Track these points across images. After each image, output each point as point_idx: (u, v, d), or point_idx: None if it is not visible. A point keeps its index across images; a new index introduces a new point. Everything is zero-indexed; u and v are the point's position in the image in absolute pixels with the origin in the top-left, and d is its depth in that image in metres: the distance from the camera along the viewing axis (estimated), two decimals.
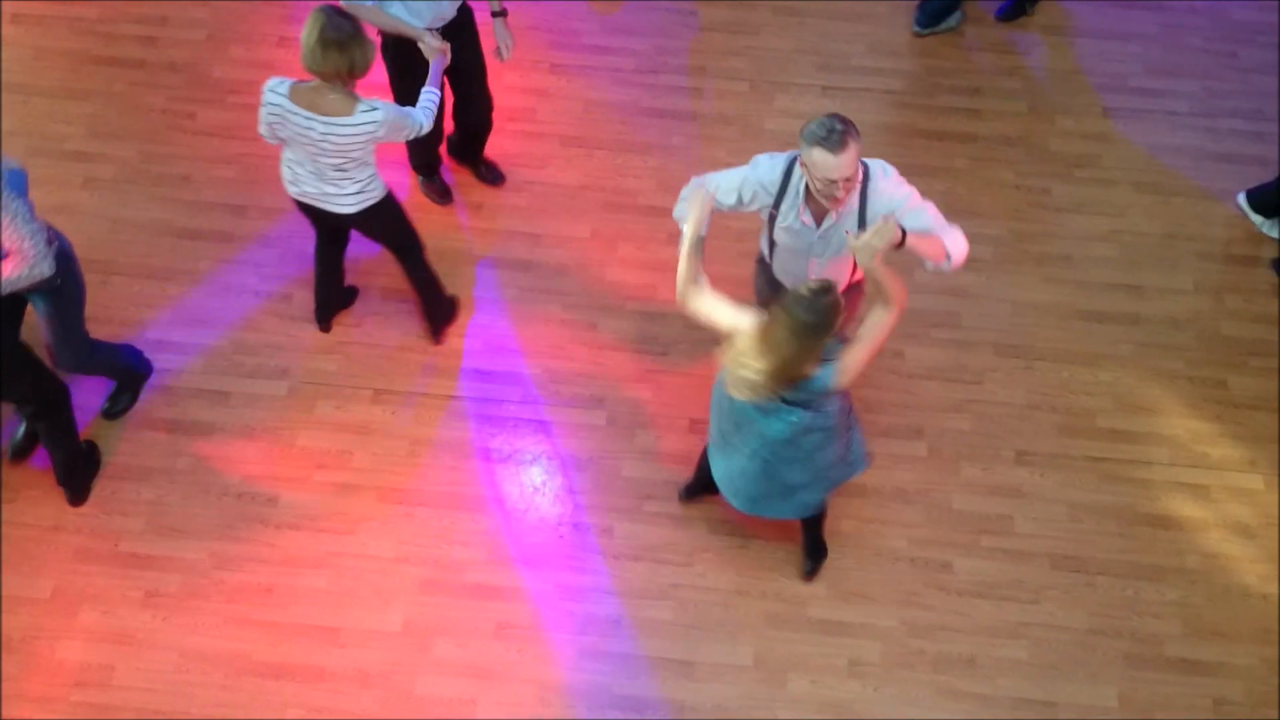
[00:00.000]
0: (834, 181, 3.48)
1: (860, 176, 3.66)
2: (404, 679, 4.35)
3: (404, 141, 4.44)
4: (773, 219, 3.86)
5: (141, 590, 4.48)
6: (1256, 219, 5.37)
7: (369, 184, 4.43)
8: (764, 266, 4.23)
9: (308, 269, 5.16)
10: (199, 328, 5.07)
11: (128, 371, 4.76)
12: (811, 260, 3.91)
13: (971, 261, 5.26)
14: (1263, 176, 5.47)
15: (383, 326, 5.11)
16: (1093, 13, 6.08)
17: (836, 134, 3.43)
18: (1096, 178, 5.54)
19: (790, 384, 3.60)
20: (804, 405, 3.70)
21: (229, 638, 4.41)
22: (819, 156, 3.45)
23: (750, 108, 5.75)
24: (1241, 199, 5.42)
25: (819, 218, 3.76)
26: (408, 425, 4.87)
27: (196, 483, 4.71)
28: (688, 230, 3.74)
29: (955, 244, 3.73)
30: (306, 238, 5.09)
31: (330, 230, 4.78)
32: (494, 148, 5.46)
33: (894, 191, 3.72)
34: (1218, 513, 4.71)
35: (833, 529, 4.59)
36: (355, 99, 4.14)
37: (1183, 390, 4.99)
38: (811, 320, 3.41)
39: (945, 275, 4.25)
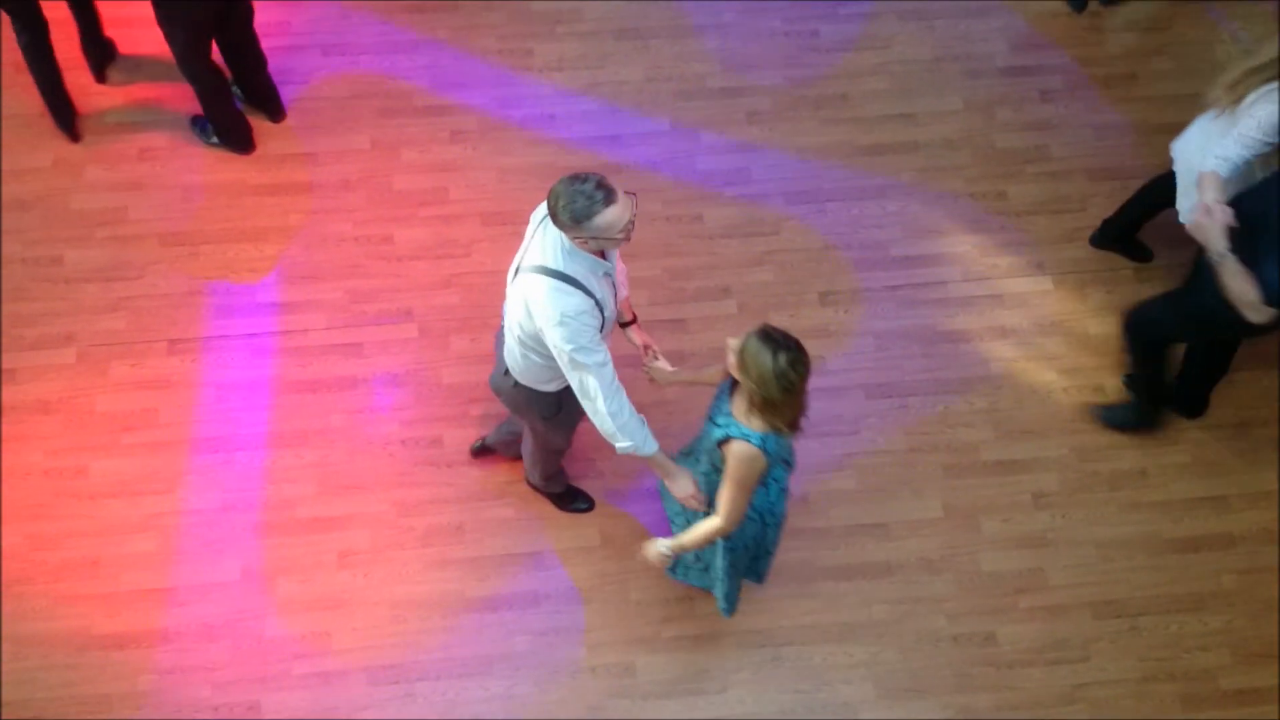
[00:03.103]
0: (630, 221, 3.35)
1: None
2: (252, 625, 4.29)
3: None
4: (603, 312, 3.54)
5: None
6: None
7: None
8: None
9: (73, 228, 4.89)
10: None
11: None
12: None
13: (752, 115, 5.33)
14: None
15: (165, 274, 4.89)
16: None
17: (600, 189, 3.24)
18: (860, 12, 5.59)
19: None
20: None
21: (60, 617, 4.27)
22: (609, 216, 3.26)
23: None
24: None
25: (606, 253, 3.58)
26: (211, 371, 4.71)
27: None
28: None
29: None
30: (67, 196, 4.80)
31: None
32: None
33: None
34: (1013, 318, 4.93)
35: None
36: None
37: (965, 208, 5.15)
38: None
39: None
